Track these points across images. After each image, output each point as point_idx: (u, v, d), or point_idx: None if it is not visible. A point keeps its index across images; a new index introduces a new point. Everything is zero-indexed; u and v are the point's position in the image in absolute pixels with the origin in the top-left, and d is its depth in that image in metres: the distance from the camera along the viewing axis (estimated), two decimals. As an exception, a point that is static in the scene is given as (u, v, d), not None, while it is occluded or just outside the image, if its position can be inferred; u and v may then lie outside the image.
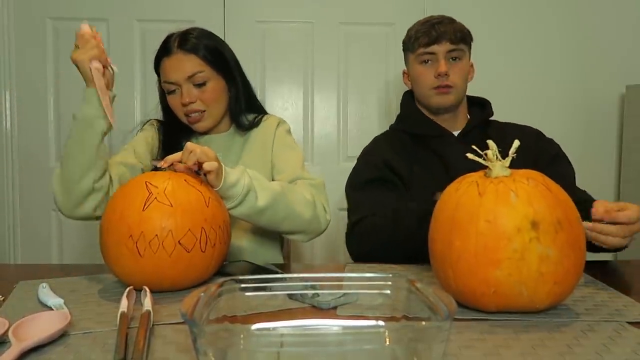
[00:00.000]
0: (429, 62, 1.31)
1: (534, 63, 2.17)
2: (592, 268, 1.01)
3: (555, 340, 0.65)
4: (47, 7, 2.10)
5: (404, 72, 1.43)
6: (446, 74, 1.28)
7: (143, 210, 0.83)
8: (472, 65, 1.38)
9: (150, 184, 0.87)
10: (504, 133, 1.32)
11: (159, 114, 1.36)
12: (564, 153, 1.33)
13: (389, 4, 2.15)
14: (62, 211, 1.12)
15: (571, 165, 1.32)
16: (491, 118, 1.40)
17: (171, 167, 0.95)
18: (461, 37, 1.30)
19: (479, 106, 1.41)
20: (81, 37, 1.08)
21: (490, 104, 1.42)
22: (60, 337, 0.67)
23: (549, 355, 0.61)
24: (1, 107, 2.11)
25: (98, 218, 1.07)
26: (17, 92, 2.12)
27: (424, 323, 0.56)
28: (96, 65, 1.08)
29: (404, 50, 1.38)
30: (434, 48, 1.28)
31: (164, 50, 1.23)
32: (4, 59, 2.10)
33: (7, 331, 0.64)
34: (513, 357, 0.61)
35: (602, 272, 1.00)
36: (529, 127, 1.38)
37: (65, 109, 2.12)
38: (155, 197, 0.84)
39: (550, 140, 1.35)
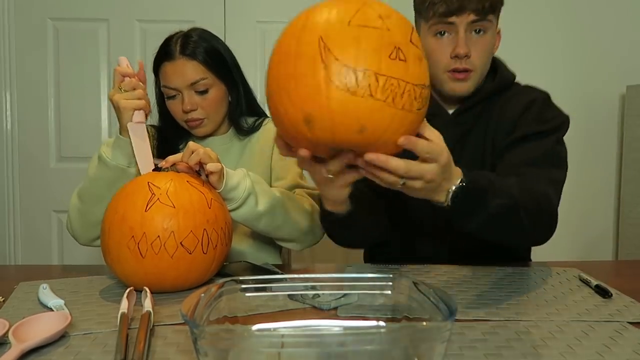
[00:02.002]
0: (446, 34, 1.05)
1: (534, 63, 2.17)
2: (592, 268, 1.00)
3: (557, 340, 0.65)
4: (48, 8, 2.10)
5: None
6: (466, 56, 1.04)
7: (145, 211, 0.83)
8: (498, 32, 1.12)
9: (153, 184, 0.87)
10: (504, 111, 1.10)
11: (154, 117, 1.34)
12: (549, 130, 1.04)
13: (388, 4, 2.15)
14: (78, 241, 1.14)
15: (549, 142, 1.03)
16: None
17: (173, 167, 0.95)
18: (490, 6, 1.03)
19: (490, 72, 1.14)
20: (125, 79, 1.03)
21: (503, 66, 1.16)
22: (60, 338, 0.67)
23: (551, 355, 0.61)
24: (2, 107, 2.11)
25: None
26: (18, 92, 2.12)
27: (424, 323, 0.56)
28: (139, 119, 1.03)
29: (414, 9, 1.11)
30: (454, 19, 1.02)
31: (165, 54, 1.19)
32: (4, 59, 2.10)
33: (7, 332, 0.64)
34: (514, 358, 0.60)
35: (602, 272, 1.00)
36: (533, 99, 1.09)
37: (66, 109, 2.12)
38: (158, 198, 0.84)
39: (538, 116, 1.07)
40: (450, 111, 1.13)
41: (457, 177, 0.75)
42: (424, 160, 0.69)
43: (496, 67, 1.15)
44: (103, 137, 2.15)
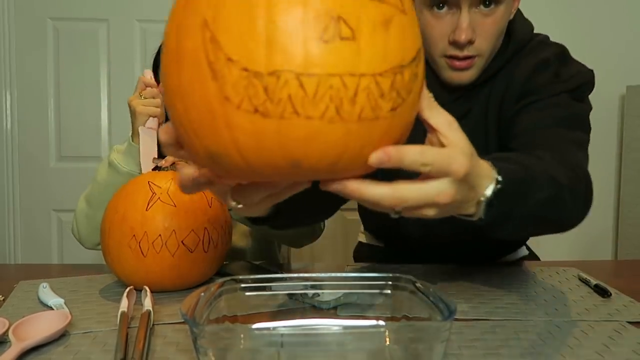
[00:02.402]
0: (445, 7, 0.82)
1: (534, 63, 2.17)
2: (592, 267, 1.01)
3: (556, 340, 0.65)
4: (48, 7, 2.10)
5: None
6: (469, 42, 0.82)
7: (146, 210, 0.83)
8: None
9: (154, 183, 0.87)
10: (511, 74, 0.89)
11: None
12: (559, 96, 0.85)
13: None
14: (84, 245, 1.16)
15: (559, 109, 0.84)
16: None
17: (172, 166, 0.95)
18: None
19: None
20: (147, 87, 1.06)
21: (519, 24, 0.93)
22: (60, 337, 0.67)
23: (550, 355, 0.61)
24: (2, 107, 2.11)
25: None
26: (18, 92, 2.12)
27: (424, 323, 0.56)
28: (152, 125, 1.06)
29: None
30: None
31: None
32: (4, 59, 2.10)
33: (7, 331, 0.64)
34: (513, 357, 0.60)
35: (602, 272, 1.00)
36: (544, 60, 0.89)
37: (66, 109, 2.12)
38: (159, 197, 0.85)
39: (553, 77, 0.87)
40: (449, 95, 0.92)
41: (487, 178, 0.53)
42: (427, 177, 0.47)
43: (510, 30, 0.90)
44: (103, 137, 2.15)
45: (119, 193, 0.90)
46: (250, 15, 0.39)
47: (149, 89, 1.07)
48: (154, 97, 1.07)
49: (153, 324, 0.71)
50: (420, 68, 0.45)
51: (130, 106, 1.07)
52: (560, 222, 0.71)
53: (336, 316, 0.73)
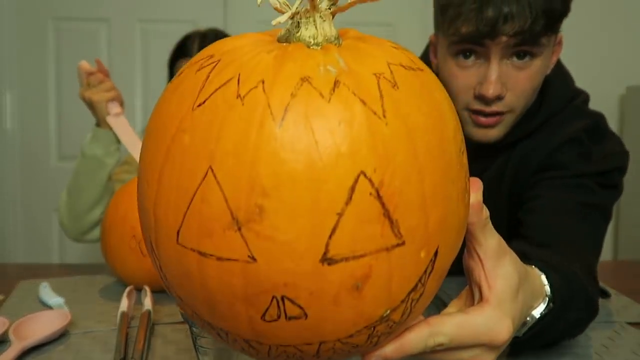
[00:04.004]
0: (472, 56, 0.73)
1: (534, 63, 2.17)
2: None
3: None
4: (49, 8, 2.10)
5: (430, 42, 0.85)
6: (498, 97, 0.72)
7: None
8: (559, 42, 0.78)
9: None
10: (532, 154, 0.80)
11: None
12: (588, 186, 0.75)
13: (388, 4, 2.15)
14: (69, 236, 1.17)
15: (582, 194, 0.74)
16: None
17: None
18: (546, 25, 0.69)
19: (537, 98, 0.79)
20: (90, 75, 1.05)
21: (558, 84, 0.81)
22: (60, 336, 0.67)
23: (549, 355, 0.61)
24: (3, 106, 2.11)
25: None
26: (19, 92, 2.12)
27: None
28: (117, 110, 1.03)
29: (435, 12, 0.79)
30: (485, 41, 0.70)
31: (183, 51, 1.23)
32: (5, 59, 2.10)
33: (7, 330, 0.65)
34: (513, 357, 0.61)
35: (602, 272, 1.00)
36: (571, 138, 0.78)
37: (67, 109, 2.12)
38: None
39: (579, 157, 0.76)
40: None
41: (539, 297, 0.47)
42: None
43: (545, 90, 0.79)
44: (103, 136, 2.15)
45: (120, 192, 0.90)
46: (183, 268, 0.33)
47: (93, 76, 1.07)
48: (102, 83, 1.06)
49: (153, 324, 0.71)
50: (437, 273, 0.35)
51: (84, 99, 1.07)
52: (573, 337, 0.64)
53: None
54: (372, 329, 0.33)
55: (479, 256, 0.40)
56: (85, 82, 1.07)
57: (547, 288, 0.48)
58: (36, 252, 2.16)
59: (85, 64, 1.07)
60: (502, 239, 0.41)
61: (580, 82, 0.86)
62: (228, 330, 0.34)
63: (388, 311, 0.33)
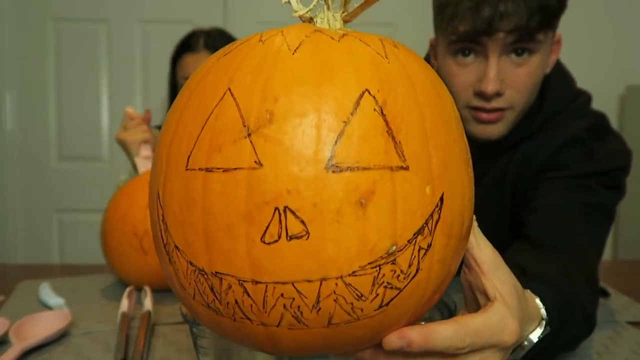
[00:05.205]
0: (470, 54, 0.74)
1: (534, 63, 2.17)
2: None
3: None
4: (49, 8, 2.10)
5: (430, 45, 0.86)
6: (497, 94, 0.73)
7: (147, 207, 0.83)
8: (558, 41, 0.79)
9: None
10: (535, 155, 0.79)
11: (158, 116, 1.36)
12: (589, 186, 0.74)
13: (388, 4, 2.15)
14: None
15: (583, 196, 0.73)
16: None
17: None
18: (541, 21, 0.70)
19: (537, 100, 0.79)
20: (131, 119, 1.06)
21: (559, 84, 0.81)
22: (61, 337, 0.67)
23: (548, 355, 0.61)
24: (3, 107, 2.11)
25: None
26: (19, 92, 2.12)
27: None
28: (146, 153, 1.04)
29: (433, 13, 0.79)
30: (483, 39, 0.71)
31: (188, 46, 1.24)
32: (5, 59, 2.10)
33: (7, 331, 0.65)
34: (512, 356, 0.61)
35: (602, 272, 1.00)
36: (573, 138, 0.77)
37: (67, 109, 2.12)
38: (159, 196, 0.85)
39: (582, 156, 0.76)
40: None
41: (535, 320, 0.46)
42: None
43: (545, 90, 0.79)
44: (104, 137, 2.15)
45: (119, 194, 0.90)
46: (187, 198, 0.33)
47: (131, 121, 1.07)
48: (138, 126, 1.06)
49: (153, 324, 0.71)
50: (445, 225, 0.34)
51: (119, 142, 1.06)
52: (571, 351, 0.63)
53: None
54: (378, 269, 0.31)
55: (477, 263, 0.41)
56: (123, 125, 1.07)
57: (543, 311, 0.47)
58: (36, 252, 2.16)
59: (130, 110, 1.07)
60: (495, 250, 0.41)
61: (579, 82, 0.86)
62: (223, 273, 0.32)
63: (394, 247, 0.31)
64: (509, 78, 0.73)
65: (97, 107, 2.13)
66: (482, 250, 0.40)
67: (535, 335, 0.46)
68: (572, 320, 0.54)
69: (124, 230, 0.83)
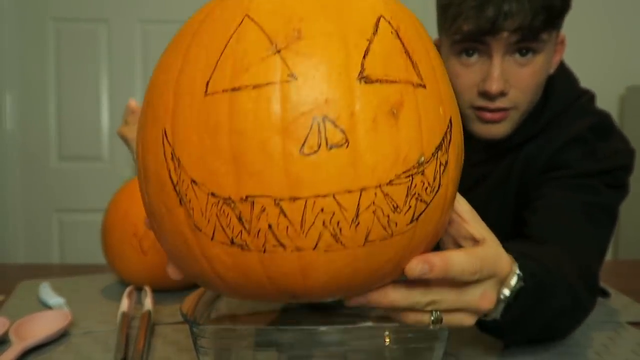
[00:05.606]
0: (474, 54, 0.74)
1: (534, 63, 2.16)
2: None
3: (555, 340, 0.66)
4: (49, 8, 2.10)
5: (435, 44, 0.78)
6: (502, 93, 0.73)
7: (147, 206, 0.84)
8: (562, 42, 0.80)
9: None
10: (539, 154, 0.79)
11: None
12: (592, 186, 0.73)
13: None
14: None
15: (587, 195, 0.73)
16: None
17: None
18: (545, 20, 0.70)
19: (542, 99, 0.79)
20: (131, 112, 1.04)
21: (562, 84, 0.81)
22: (61, 336, 0.67)
23: (549, 356, 0.61)
24: (2, 107, 2.11)
25: None
26: (19, 92, 2.12)
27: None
28: None
29: (437, 13, 0.79)
30: (487, 38, 0.71)
31: None
32: (5, 59, 2.10)
33: (8, 330, 0.65)
34: (512, 356, 0.61)
35: (602, 272, 1.00)
36: (575, 137, 0.77)
37: (67, 109, 2.12)
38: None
39: (584, 155, 0.76)
40: (473, 156, 0.78)
41: (508, 273, 0.46)
42: (466, 284, 0.42)
43: (549, 90, 0.79)
44: (104, 137, 2.15)
45: (120, 192, 0.90)
46: (209, 124, 0.31)
47: (132, 115, 1.07)
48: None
49: (153, 324, 0.71)
50: (454, 146, 0.37)
51: (121, 137, 1.06)
52: (565, 334, 0.65)
53: (336, 316, 0.73)
54: (411, 179, 0.33)
55: (458, 214, 0.44)
56: (124, 119, 1.07)
57: (515, 267, 0.48)
58: (36, 252, 2.16)
59: (133, 103, 1.07)
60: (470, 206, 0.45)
61: (580, 82, 0.86)
62: (256, 195, 0.30)
63: (422, 158, 0.33)
64: (513, 78, 0.73)
65: (97, 107, 2.13)
66: (461, 203, 0.44)
67: (507, 290, 0.46)
68: (556, 290, 0.55)
69: (124, 229, 0.83)
